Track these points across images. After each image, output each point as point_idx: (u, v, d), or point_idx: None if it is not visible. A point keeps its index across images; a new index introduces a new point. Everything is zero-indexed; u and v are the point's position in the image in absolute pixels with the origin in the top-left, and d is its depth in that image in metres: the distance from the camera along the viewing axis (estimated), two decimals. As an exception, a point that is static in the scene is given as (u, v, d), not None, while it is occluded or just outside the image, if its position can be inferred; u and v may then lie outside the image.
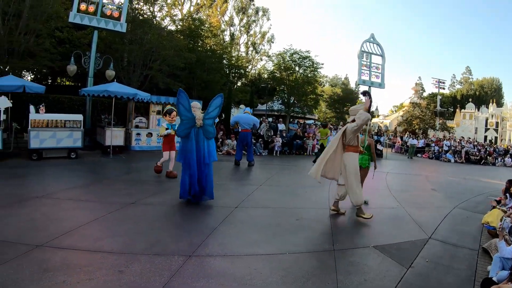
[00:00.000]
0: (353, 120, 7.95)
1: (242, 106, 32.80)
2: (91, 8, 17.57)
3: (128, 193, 8.95)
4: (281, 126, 23.71)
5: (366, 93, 8.23)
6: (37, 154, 12.96)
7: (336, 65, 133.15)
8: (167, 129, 10.93)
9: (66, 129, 13.36)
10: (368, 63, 32.54)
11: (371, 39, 33.21)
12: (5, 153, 12.90)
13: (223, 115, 24.76)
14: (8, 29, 18.28)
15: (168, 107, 11.87)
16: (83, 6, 17.32)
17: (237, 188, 10.65)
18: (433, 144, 32.45)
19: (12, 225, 6.25)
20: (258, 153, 18.84)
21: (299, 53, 29.59)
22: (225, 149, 19.09)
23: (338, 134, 8.26)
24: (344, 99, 47.20)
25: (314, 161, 15.70)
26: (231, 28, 45.24)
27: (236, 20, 45.57)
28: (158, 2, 26.63)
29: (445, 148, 30.44)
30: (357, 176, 7.96)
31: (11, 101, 13.59)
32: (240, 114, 16.82)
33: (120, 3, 18.17)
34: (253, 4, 45.60)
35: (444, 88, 59.46)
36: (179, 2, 39.90)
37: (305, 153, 22.16)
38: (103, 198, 8.46)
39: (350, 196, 7.97)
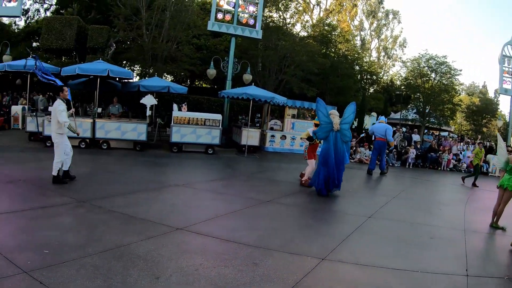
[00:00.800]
0: None
1: (373, 113, 31.54)
2: (228, 17, 18.51)
3: (263, 191, 9.26)
4: (416, 137, 22.05)
5: None
6: (177, 147, 14.29)
7: (473, 71, 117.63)
8: (311, 137, 10.55)
9: (206, 127, 14.34)
10: (511, 70, 28.33)
11: (515, 42, 28.78)
12: (148, 144, 14.50)
13: (356, 123, 23.97)
14: (152, 37, 21.04)
15: None
16: (220, 16, 18.27)
17: (369, 198, 10.30)
18: None
19: (155, 208, 6.95)
20: (391, 164, 17.79)
21: (435, 59, 27.28)
22: (358, 157, 18.45)
23: None
24: (483, 110, 42.26)
25: (463, 179, 14.68)
26: (362, 33, 43.68)
27: (366, 24, 43.49)
28: (289, 9, 26.92)
29: None
30: None
31: (157, 99, 14.91)
32: (376, 123, 16.07)
33: (254, 12, 18.72)
34: (383, 7, 43.37)
35: None
36: (309, 8, 39.90)
37: (439, 168, 19.94)
38: (240, 193, 8.89)
39: None
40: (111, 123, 13.62)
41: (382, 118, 15.39)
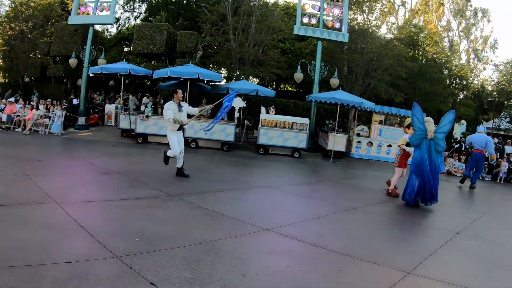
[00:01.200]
0: None
1: (463, 122, 29.55)
2: (313, 21, 18.22)
3: (349, 198, 9.00)
4: (509, 149, 20.05)
5: None
6: (264, 150, 14.39)
7: None
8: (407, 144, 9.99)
9: (293, 130, 14.33)
10: None
11: None
12: (236, 145, 14.79)
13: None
14: (239, 42, 21.30)
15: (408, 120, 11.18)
16: (305, 19, 18.06)
17: (458, 213, 9.56)
18: None
19: (243, 207, 7.06)
20: (481, 177, 16.42)
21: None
22: (446, 168, 17.31)
23: None
24: None
25: None
26: (449, 34, 40.85)
27: (454, 25, 40.34)
28: (374, 11, 26.05)
29: None
30: None
31: (245, 101, 15.05)
32: (474, 134, 14.99)
33: (339, 14, 18.31)
34: (470, 5, 40.16)
35: None
36: (394, 9, 38.27)
37: (534, 185, 17.71)
38: (326, 198, 8.73)
39: None
40: (200, 123, 13.97)
41: (482, 128, 14.25)
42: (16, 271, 3.96)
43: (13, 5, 25.40)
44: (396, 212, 8.25)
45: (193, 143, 14.50)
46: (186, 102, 15.05)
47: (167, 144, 8.70)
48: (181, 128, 8.92)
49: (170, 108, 8.58)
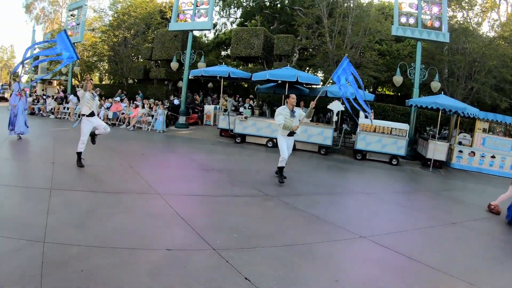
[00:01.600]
0: None
1: None
2: (411, 20, 17.34)
3: (448, 211, 8.42)
4: None
5: None
6: (361, 155, 14.06)
7: None
8: None
9: (392, 136, 13.79)
10: None
11: None
12: (333, 149, 14.58)
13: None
14: (336, 44, 20.99)
15: None
16: (403, 19, 17.27)
17: None
18: None
19: (340, 212, 6.99)
20: None
21: None
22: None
23: None
24: None
25: None
26: None
27: None
28: (474, 7, 24.01)
29: None
30: None
31: (343, 105, 14.73)
32: None
33: (438, 12, 17.24)
34: None
35: None
36: (495, 4, 34.73)
37: None
38: (424, 210, 8.27)
39: None
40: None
41: None
42: (118, 253, 4.37)
43: (115, 15, 27.88)
44: (499, 231, 7.47)
45: (270, 142, 14.66)
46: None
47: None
48: (292, 133, 8.64)
49: (282, 113, 8.43)
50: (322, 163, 12.77)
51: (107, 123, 18.13)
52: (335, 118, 14.84)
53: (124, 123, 18.39)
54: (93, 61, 32.53)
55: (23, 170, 8.90)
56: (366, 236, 5.59)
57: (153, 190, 7.08)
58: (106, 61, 32.45)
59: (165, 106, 18.42)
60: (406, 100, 16.54)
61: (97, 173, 8.41)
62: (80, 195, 6.58)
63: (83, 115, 8.72)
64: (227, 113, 15.65)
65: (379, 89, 32.17)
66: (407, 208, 8.16)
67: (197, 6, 18.57)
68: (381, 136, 13.79)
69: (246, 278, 3.91)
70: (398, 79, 18.58)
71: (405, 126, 14.14)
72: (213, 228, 5.32)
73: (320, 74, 27.96)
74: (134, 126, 17.75)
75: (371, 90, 29.49)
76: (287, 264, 4.30)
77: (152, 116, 17.89)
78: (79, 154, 8.72)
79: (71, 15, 26.41)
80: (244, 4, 32.26)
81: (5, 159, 9.62)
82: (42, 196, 6.40)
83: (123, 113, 18.82)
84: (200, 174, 9.17)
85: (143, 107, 18.66)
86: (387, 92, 32.60)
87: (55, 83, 41.20)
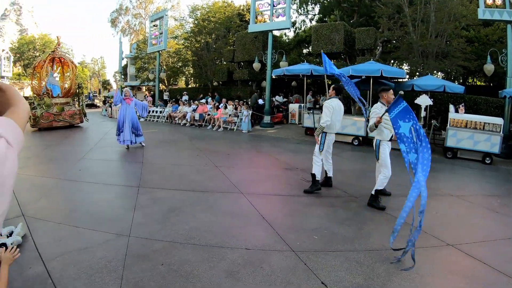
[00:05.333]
0: None
1: None
2: (498, 1, 15.64)
3: None
4: None
5: None
6: (452, 153, 12.88)
7: None
8: None
9: (485, 132, 12.47)
10: None
11: None
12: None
13: None
14: (420, 34, 19.60)
15: None
16: (489, 1, 15.62)
17: None
18: None
19: (425, 216, 6.01)
20: None
21: None
22: None
23: None
24: None
25: None
26: None
27: None
28: None
29: None
30: None
31: (431, 99, 13.98)
32: None
33: None
34: None
35: None
36: None
37: None
38: None
39: None
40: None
41: None
42: (198, 249, 4.55)
43: (196, 22, 29.14)
44: None
45: (356, 140, 14.24)
46: (370, 101, 14.93)
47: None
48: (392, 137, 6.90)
49: (381, 112, 6.58)
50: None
51: (193, 124, 19.46)
52: (423, 114, 13.83)
53: (210, 124, 19.08)
54: (178, 66, 34.24)
55: (114, 169, 9.65)
56: (453, 244, 5.14)
57: (236, 190, 7.23)
58: (191, 65, 34.05)
59: (249, 107, 18.76)
60: (499, 91, 15.17)
61: (183, 172, 8.78)
62: (166, 193, 6.94)
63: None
64: (311, 111, 15.54)
65: (469, 80, 29.81)
66: (500, 214, 7.18)
67: (274, 6, 18.63)
68: (473, 132, 12.46)
69: (322, 283, 3.83)
70: (489, 67, 17.03)
71: (499, 121, 12.74)
72: (294, 229, 5.29)
73: (405, 67, 26.71)
74: (219, 126, 18.27)
75: (461, 81, 27.55)
76: (366, 271, 4.12)
77: (238, 116, 18.32)
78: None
79: (154, 25, 28.04)
80: (321, -1, 31.88)
81: (97, 159, 10.46)
82: (130, 193, 6.89)
83: (209, 115, 19.54)
84: (284, 173, 9.14)
85: (225, 107, 19.20)
86: (478, 83, 29.83)
87: (143, 88, 43.91)
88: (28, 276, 3.83)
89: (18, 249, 2.64)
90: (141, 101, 16.34)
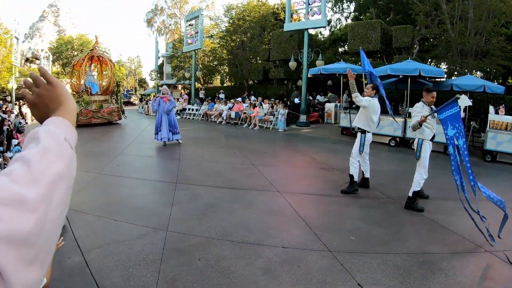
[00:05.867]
0: None
1: None
2: None
3: None
4: None
5: None
6: (491, 156, 12.26)
7: None
8: None
9: None
10: None
11: None
12: (469, 150, 12.81)
13: None
14: (458, 31, 18.78)
15: None
16: None
17: None
18: None
19: (464, 221, 5.79)
20: None
21: None
22: None
23: None
24: None
25: None
26: None
27: None
28: None
29: None
30: None
31: (471, 100, 13.51)
32: None
33: None
34: None
35: None
36: None
37: None
38: None
39: None
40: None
41: None
42: (235, 246, 4.57)
43: (231, 21, 29.38)
44: None
45: (393, 141, 13.71)
46: (408, 100, 14.56)
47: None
48: (434, 137, 6.80)
49: (423, 111, 6.44)
50: (447, 164, 11.53)
51: (229, 123, 19.67)
52: (462, 115, 13.34)
53: (246, 122, 19.16)
54: (213, 65, 34.54)
55: (152, 165, 9.83)
56: (492, 251, 4.90)
57: (273, 188, 7.21)
58: (226, 64, 34.28)
59: (285, 105, 18.72)
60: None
61: (220, 169, 8.85)
62: (203, 189, 7.02)
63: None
64: (348, 111, 15.31)
65: (510, 80, 28.63)
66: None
67: (309, 4, 18.44)
68: (513, 134, 11.96)
69: (359, 284, 3.77)
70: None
71: (539, 123, 12.22)
72: (330, 229, 5.24)
73: (443, 66, 25.90)
74: (255, 125, 18.31)
75: (500, 81, 26.52)
76: (403, 274, 4.02)
77: (273, 115, 18.30)
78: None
79: (189, 25, 28.38)
80: (357, -3, 31.43)
81: (135, 155, 10.70)
82: (168, 189, 7.00)
83: (244, 113, 19.65)
84: (321, 173, 9.06)
85: (260, 106, 19.19)
86: (516, 84, 28.72)
87: (179, 87, 44.56)
88: (67, 266, 3.97)
89: (62, 238, 2.70)
90: (176, 99, 16.55)
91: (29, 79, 1.03)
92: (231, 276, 3.84)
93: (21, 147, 11.34)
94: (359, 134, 7.41)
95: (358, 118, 7.52)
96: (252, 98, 23.94)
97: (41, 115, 1.02)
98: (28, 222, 0.64)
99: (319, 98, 22.94)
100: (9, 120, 13.13)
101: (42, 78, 1.02)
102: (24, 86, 1.06)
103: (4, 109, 16.99)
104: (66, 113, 1.01)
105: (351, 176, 7.17)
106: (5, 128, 11.90)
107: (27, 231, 0.64)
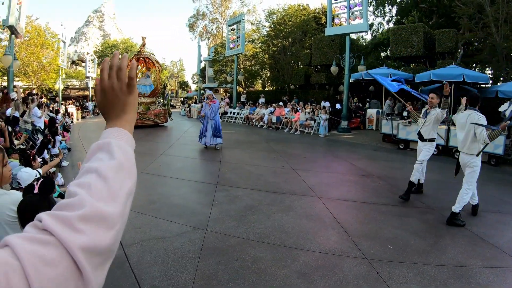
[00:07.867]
0: None
1: None
2: None
3: None
4: None
5: None
6: None
7: None
8: None
9: None
10: None
11: None
12: (505, 159, 12.27)
13: None
14: (503, 35, 17.86)
15: None
16: None
17: None
18: None
19: (506, 234, 5.67)
20: None
21: None
22: None
23: None
24: None
25: None
26: None
27: None
28: None
29: None
30: None
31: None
32: None
33: None
34: None
35: None
36: None
37: None
38: None
39: None
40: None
41: None
42: (272, 248, 4.61)
43: (272, 26, 29.44)
44: None
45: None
46: (451, 107, 14.08)
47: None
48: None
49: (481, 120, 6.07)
50: (491, 175, 10.77)
51: (270, 127, 19.77)
52: (507, 122, 12.64)
53: (287, 127, 19.16)
54: (255, 69, 34.72)
55: (193, 166, 10.01)
56: None
57: (312, 193, 7.21)
58: (268, 68, 34.38)
59: (327, 111, 18.57)
60: None
61: (260, 173, 8.92)
62: (242, 192, 7.11)
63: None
64: (390, 117, 14.94)
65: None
66: None
67: (350, 8, 18.23)
68: (561, 144, 11.19)
69: (393, 293, 3.71)
70: None
71: None
72: (368, 236, 5.17)
73: (488, 71, 24.91)
74: (296, 129, 18.28)
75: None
76: (439, 286, 3.91)
77: (315, 120, 18.21)
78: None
79: (231, 29, 28.54)
80: (398, 0, 30.75)
81: (177, 156, 10.94)
82: (208, 190, 7.15)
83: (286, 117, 19.65)
84: (360, 180, 8.90)
85: (303, 111, 19.12)
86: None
87: (221, 90, 45.11)
88: (107, 258, 4.11)
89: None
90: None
91: (117, 63, 1.01)
92: (267, 277, 3.89)
93: (66, 144, 11.83)
94: (430, 143, 7.67)
95: (432, 130, 7.69)
96: (293, 101, 23.88)
97: (104, 105, 0.99)
98: (106, 238, 0.71)
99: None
100: (57, 119, 13.65)
101: (126, 76, 1.00)
102: (101, 69, 1.00)
103: (51, 108, 17.61)
104: (127, 124, 0.98)
105: (412, 184, 7.18)
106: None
107: (106, 244, 0.71)
